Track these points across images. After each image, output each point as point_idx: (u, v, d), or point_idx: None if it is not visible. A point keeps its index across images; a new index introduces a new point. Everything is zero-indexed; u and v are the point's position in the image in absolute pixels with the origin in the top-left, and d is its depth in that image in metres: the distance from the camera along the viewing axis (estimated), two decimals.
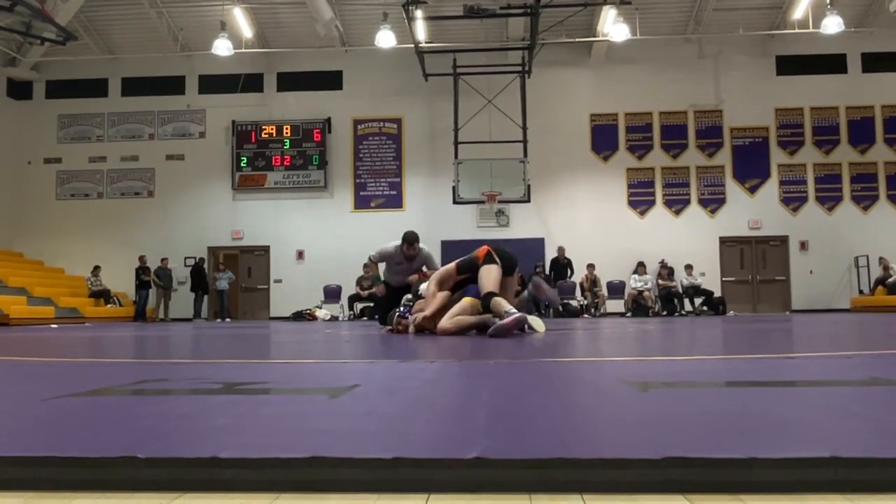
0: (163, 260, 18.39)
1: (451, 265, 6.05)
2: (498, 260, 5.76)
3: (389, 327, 6.52)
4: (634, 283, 17.27)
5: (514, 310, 5.19)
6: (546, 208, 18.32)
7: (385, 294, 8.01)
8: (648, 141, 18.82)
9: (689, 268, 17.29)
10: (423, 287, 6.42)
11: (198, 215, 19.25)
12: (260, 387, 2.09)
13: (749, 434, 1.19)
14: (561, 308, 5.44)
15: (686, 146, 18.77)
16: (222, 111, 19.33)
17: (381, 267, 8.38)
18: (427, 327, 5.91)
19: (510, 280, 5.92)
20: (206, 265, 18.74)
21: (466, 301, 5.68)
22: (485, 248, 5.92)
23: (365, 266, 14.75)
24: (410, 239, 7.60)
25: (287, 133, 19.17)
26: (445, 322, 5.61)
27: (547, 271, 17.40)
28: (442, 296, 5.89)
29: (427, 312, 5.78)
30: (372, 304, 16.40)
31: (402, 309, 6.31)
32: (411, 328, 6.06)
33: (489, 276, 5.65)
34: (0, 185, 19.25)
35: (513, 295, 6.00)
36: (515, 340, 4.62)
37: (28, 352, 4.42)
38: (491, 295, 5.44)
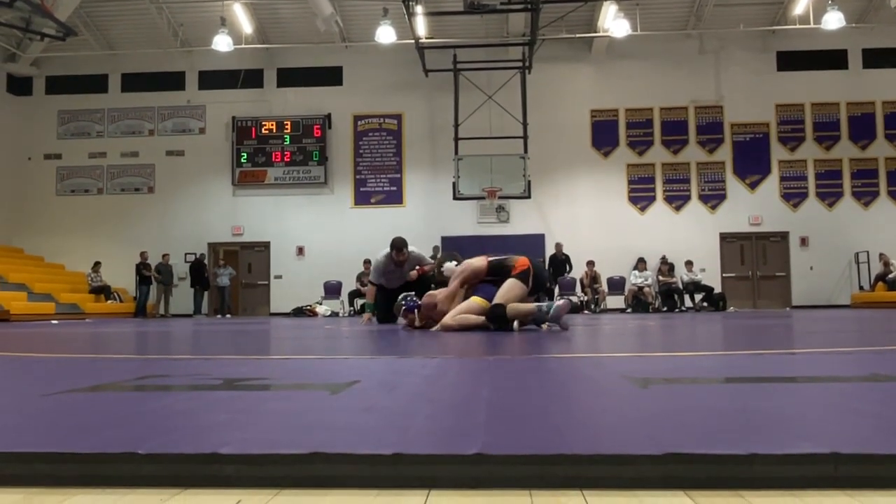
0: (164, 256, 18.40)
1: (483, 263, 5.81)
2: (531, 282, 5.58)
3: (406, 322, 6.37)
4: (635, 279, 17.28)
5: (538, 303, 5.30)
6: (546, 204, 18.31)
7: (371, 319, 8.11)
8: (649, 137, 18.80)
9: (689, 264, 17.29)
10: (447, 265, 6.27)
11: (198, 211, 19.24)
12: (260, 383, 2.09)
13: (750, 430, 1.19)
14: (567, 329, 5.31)
15: (686, 142, 18.75)
16: (222, 107, 19.32)
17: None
18: (434, 318, 5.91)
19: (527, 299, 5.86)
20: (206, 261, 18.74)
21: (474, 300, 5.64)
22: (526, 262, 5.67)
23: (362, 280, 14.83)
24: (399, 245, 7.62)
25: (287, 129, 19.16)
26: (449, 319, 5.59)
27: (546, 267, 17.36)
28: (461, 296, 5.83)
29: (497, 299, 5.51)
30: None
31: (408, 300, 6.24)
32: (417, 321, 6.03)
33: (511, 291, 5.46)
34: (0, 180, 19.24)
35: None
36: (515, 336, 4.63)
37: (28, 348, 4.43)
38: (501, 306, 5.35)
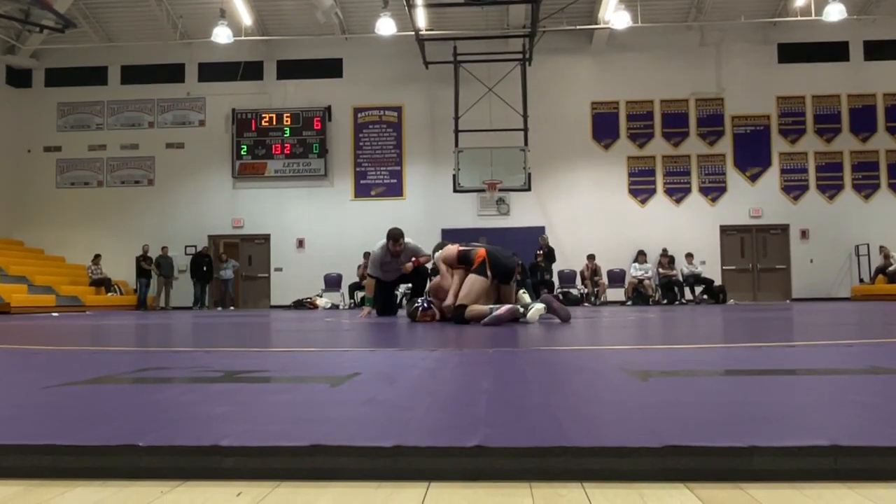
0: (163, 248, 18.39)
1: (455, 249, 6.05)
2: (489, 272, 5.69)
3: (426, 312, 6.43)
4: (635, 271, 17.27)
5: (497, 307, 5.31)
6: (546, 197, 18.29)
7: (370, 314, 8.12)
8: (649, 129, 18.76)
9: (689, 256, 17.28)
10: (436, 255, 6.48)
11: (198, 204, 19.23)
12: (260, 375, 2.09)
13: (749, 422, 1.19)
14: (569, 321, 5.25)
15: (687, 134, 18.72)
16: (222, 99, 19.28)
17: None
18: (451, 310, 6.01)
19: (507, 288, 5.90)
20: (210, 252, 18.71)
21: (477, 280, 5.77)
22: (483, 253, 5.81)
23: (362, 273, 14.85)
24: (395, 235, 7.62)
25: (287, 121, 19.12)
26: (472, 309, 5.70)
27: (540, 261, 16.87)
28: (459, 276, 5.96)
29: (459, 298, 5.67)
30: None
31: (421, 302, 6.35)
32: (437, 315, 6.16)
33: (472, 287, 5.61)
34: (0, 173, 19.23)
35: (514, 298, 5.98)
36: (515, 328, 4.63)
37: (29, 340, 4.43)
38: (462, 307, 5.49)
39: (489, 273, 5.68)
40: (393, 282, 8.10)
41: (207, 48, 18.61)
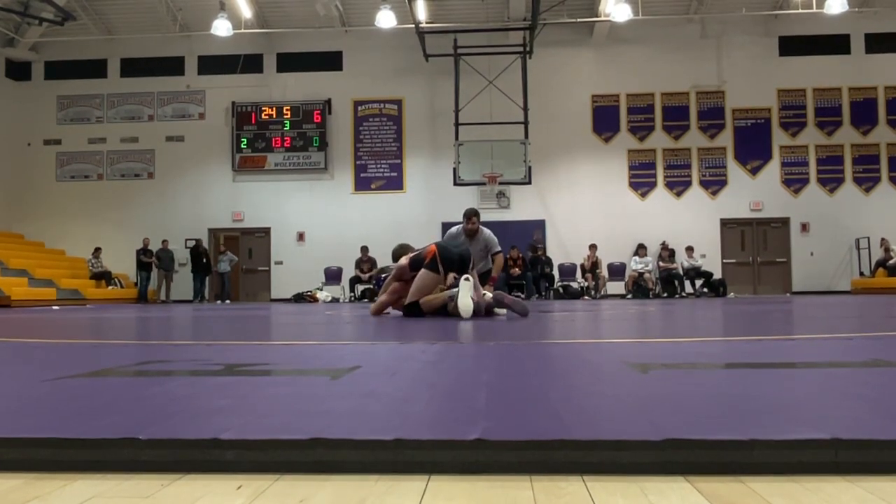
0: (164, 241, 18.39)
1: (406, 262, 5.99)
2: (441, 267, 5.64)
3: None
4: (635, 264, 17.26)
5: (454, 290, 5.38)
6: (547, 190, 18.27)
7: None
8: (650, 122, 18.73)
9: (689, 250, 17.27)
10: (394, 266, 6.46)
11: (198, 197, 19.21)
12: (261, 368, 2.10)
13: (749, 416, 1.19)
14: (527, 315, 5.14)
15: (688, 127, 18.68)
16: (222, 92, 19.23)
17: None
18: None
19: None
20: (207, 246, 18.69)
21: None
22: (433, 249, 5.76)
23: (361, 267, 14.65)
24: (468, 214, 7.49)
25: (287, 114, 19.08)
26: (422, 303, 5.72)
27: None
28: (396, 286, 6.02)
29: (410, 295, 5.73)
30: (371, 286, 16.45)
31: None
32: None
33: (422, 282, 5.62)
34: (0, 166, 19.21)
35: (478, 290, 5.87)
36: (515, 321, 4.63)
37: (29, 333, 4.43)
38: (415, 304, 5.55)
39: (441, 267, 5.64)
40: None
41: (207, 41, 18.55)
